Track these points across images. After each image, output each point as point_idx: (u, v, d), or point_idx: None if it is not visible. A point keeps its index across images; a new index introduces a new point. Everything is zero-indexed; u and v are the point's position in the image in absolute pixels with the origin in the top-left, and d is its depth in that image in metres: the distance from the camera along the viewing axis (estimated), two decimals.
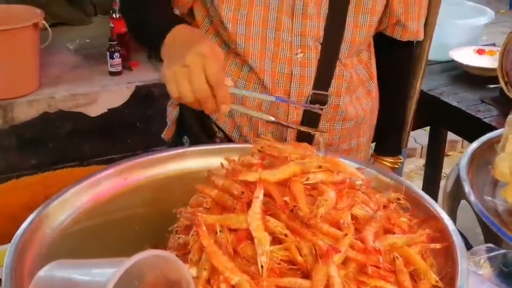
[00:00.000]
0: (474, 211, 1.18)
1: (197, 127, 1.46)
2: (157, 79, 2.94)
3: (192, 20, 1.41)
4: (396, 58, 1.56)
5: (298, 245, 0.84)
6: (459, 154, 3.76)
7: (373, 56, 1.50)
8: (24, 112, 2.71)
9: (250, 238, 0.84)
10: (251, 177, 0.89)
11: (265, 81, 1.33)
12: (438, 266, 0.95)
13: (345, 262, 0.86)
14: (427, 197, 1.07)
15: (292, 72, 1.33)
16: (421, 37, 1.50)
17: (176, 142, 1.50)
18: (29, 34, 2.62)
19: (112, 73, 2.96)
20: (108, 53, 2.93)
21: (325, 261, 0.82)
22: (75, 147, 2.86)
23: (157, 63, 3.07)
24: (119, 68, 2.96)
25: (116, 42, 2.91)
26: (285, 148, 0.98)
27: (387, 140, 1.62)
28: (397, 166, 1.61)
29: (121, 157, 2.88)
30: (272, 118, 1.21)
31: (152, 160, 1.19)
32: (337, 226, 0.88)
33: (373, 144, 1.65)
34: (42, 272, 0.80)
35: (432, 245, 0.96)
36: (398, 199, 1.06)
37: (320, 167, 0.92)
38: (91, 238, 1.07)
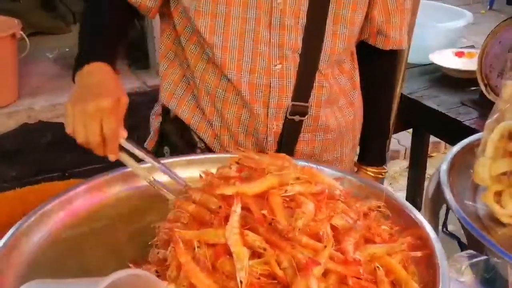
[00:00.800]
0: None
1: (178, 138, 1.45)
2: (137, 87, 2.92)
3: (173, 29, 1.40)
4: (379, 67, 1.54)
5: (277, 259, 0.83)
6: (443, 155, 3.77)
7: (356, 66, 1.49)
8: (3, 123, 2.68)
9: (229, 253, 0.83)
10: (228, 190, 0.88)
11: (243, 92, 1.33)
12: (419, 274, 0.95)
13: (326, 274, 0.85)
14: (407, 205, 1.08)
15: (270, 83, 1.32)
16: (404, 46, 1.48)
17: (158, 153, 1.49)
18: (6, 45, 2.59)
19: None
20: None
21: (304, 274, 0.81)
22: (56, 158, 2.83)
23: (137, 71, 3.05)
24: None
25: None
26: (263, 160, 0.98)
27: (371, 149, 1.60)
28: (381, 176, 1.59)
29: (103, 167, 2.85)
30: (151, 178, 1.15)
31: (131, 172, 1.18)
32: (316, 238, 0.87)
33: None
34: None
35: (413, 253, 0.96)
36: (379, 207, 1.06)
37: (298, 178, 0.91)
38: (70, 254, 1.06)
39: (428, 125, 2.37)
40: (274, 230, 0.86)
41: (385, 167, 1.60)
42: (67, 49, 3.26)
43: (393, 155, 3.85)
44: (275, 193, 0.89)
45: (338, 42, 1.34)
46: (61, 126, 2.96)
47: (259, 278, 0.82)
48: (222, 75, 1.34)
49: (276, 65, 1.31)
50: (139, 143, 1.20)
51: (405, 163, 3.75)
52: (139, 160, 1.17)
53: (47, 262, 1.02)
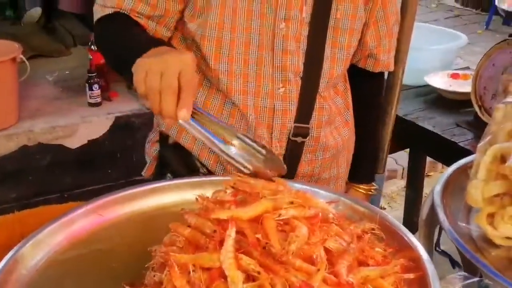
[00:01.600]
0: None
1: (179, 164, 1.46)
2: (137, 109, 2.94)
3: None
4: (368, 88, 1.59)
5: (271, 282, 0.84)
6: (440, 175, 3.79)
7: (348, 87, 1.53)
8: (3, 145, 2.69)
9: (223, 276, 0.84)
10: (223, 214, 0.90)
11: (248, 116, 1.35)
12: None
13: None
14: (401, 227, 1.08)
15: (274, 106, 1.35)
16: (391, 68, 1.55)
17: (158, 180, 1.50)
18: (7, 68, 2.62)
19: (91, 104, 2.96)
20: (87, 84, 2.93)
21: None
22: (56, 180, 2.84)
23: (137, 93, 3.07)
24: (99, 100, 2.96)
25: (95, 74, 2.91)
26: (257, 184, 0.99)
27: (361, 168, 1.64)
28: (370, 192, 1.64)
29: (102, 187, 2.86)
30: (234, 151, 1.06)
31: (129, 195, 1.18)
32: (310, 261, 0.89)
33: None
34: None
35: (406, 275, 0.97)
36: (373, 229, 1.07)
37: (292, 202, 0.93)
38: (68, 277, 1.07)
39: (424, 146, 2.39)
40: (268, 254, 0.87)
41: (374, 184, 1.65)
42: (67, 72, 3.30)
43: (390, 174, 3.86)
44: (269, 217, 0.91)
45: (336, 65, 1.39)
46: (60, 148, 3.00)
47: None
48: (226, 101, 1.37)
49: (279, 88, 1.35)
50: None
51: (402, 183, 3.77)
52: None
53: (45, 284, 1.02)
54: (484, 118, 2.12)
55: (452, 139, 2.12)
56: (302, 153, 1.42)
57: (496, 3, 7.00)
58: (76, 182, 2.89)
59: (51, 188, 2.82)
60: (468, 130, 2.18)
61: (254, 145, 1.08)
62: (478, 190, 1.23)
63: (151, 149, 1.52)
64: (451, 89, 2.42)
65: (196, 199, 1.05)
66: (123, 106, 2.99)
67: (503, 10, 7.01)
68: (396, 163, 3.95)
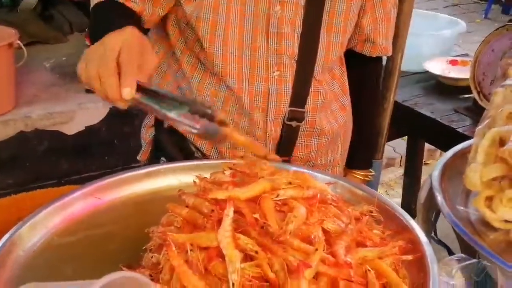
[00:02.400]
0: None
1: (174, 149, 1.45)
2: None
3: (166, 40, 1.41)
4: (366, 73, 1.58)
5: (269, 261, 0.84)
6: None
7: (345, 72, 1.52)
8: (0, 131, 2.68)
9: (221, 256, 0.84)
10: (221, 195, 0.90)
11: (243, 100, 1.34)
12: (411, 277, 0.95)
13: (317, 277, 0.86)
14: (399, 209, 1.08)
15: (269, 90, 1.34)
16: (389, 53, 1.53)
17: (153, 164, 1.49)
18: (3, 54, 2.61)
19: (88, 91, 2.94)
20: None
21: (296, 276, 0.82)
22: (53, 166, 2.84)
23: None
24: None
25: None
26: (256, 165, 0.99)
27: (358, 154, 1.64)
28: (368, 179, 1.64)
29: (99, 174, 2.86)
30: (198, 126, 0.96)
31: (126, 178, 1.18)
32: (308, 241, 0.88)
33: None
34: None
35: (404, 257, 0.97)
36: (371, 211, 1.07)
37: (290, 183, 0.93)
38: (64, 259, 1.06)
39: (422, 132, 2.39)
40: (266, 234, 0.87)
41: (371, 170, 1.65)
42: (63, 58, 3.28)
43: (388, 162, 3.87)
44: (267, 197, 0.91)
45: (332, 49, 1.38)
46: (57, 134, 2.99)
47: (250, 281, 0.83)
48: (220, 85, 1.36)
49: (274, 72, 1.34)
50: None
51: (400, 171, 3.76)
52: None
53: (42, 266, 1.02)
54: (483, 104, 2.11)
55: (450, 125, 2.12)
56: (297, 137, 1.42)
57: None
58: (73, 168, 2.89)
59: (48, 174, 2.82)
60: (466, 116, 2.18)
61: (203, 108, 0.99)
62: (476, 174, 1.23)
63: (147, 134, 1.51)
64: (450, 75, 2.42)
65: (194, 180, 1.05)
66: None
67: None
68: (394, 151, 3.95)
